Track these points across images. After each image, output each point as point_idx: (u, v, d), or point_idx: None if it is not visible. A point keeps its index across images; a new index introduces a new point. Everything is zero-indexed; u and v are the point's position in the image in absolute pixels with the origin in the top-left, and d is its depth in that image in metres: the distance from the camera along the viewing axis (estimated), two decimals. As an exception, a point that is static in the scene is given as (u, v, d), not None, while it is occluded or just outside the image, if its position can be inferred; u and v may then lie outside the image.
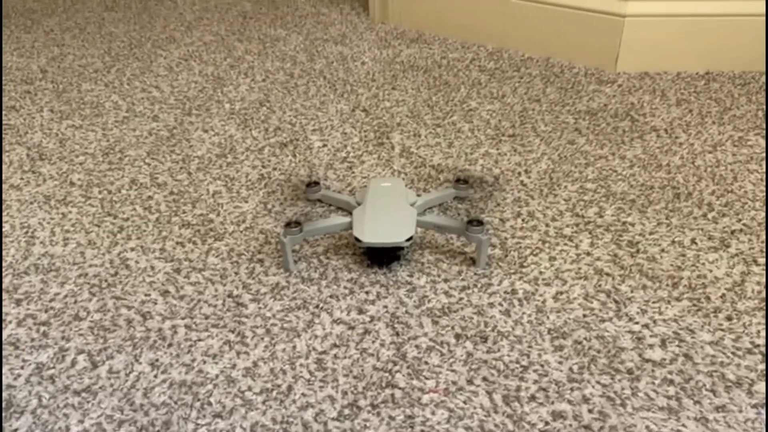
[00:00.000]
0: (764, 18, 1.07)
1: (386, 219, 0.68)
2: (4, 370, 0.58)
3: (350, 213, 0.73)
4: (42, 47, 1.33)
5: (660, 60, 1.12)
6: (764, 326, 0.60)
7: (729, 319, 0.61)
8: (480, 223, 0.66)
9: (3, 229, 0.77)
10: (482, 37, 1.28)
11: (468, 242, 0.72)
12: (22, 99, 1.10)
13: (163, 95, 1.10)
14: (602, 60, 1.14)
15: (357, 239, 0.66)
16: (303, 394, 0.55)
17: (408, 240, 0.65)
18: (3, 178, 0.88)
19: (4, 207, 0.81)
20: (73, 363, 0.58)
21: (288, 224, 0.68)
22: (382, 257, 0.70)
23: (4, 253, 0.73)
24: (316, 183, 0.80)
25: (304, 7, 1.52)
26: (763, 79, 1.08)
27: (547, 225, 0.75)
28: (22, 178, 0.87)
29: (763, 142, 0.90)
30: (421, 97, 1.07)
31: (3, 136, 0.98)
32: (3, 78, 1.19)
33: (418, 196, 0.78)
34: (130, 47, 1.32)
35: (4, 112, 1.06)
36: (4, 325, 0.63)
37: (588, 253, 0.70)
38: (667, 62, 1.12)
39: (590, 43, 1.14)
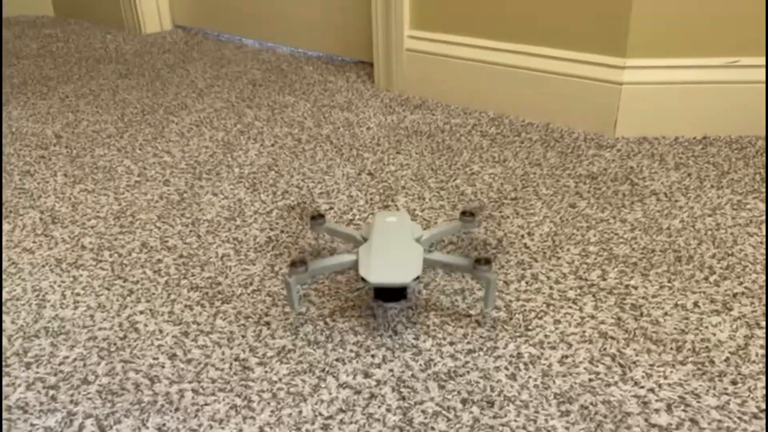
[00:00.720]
0: (760, 84, 1.10)
1: (392, 257, 0.66)
2: (11, 435, 0.58)
3: (356, 249, 0.71)
4: (57, 113, 1.38)
5: (658, 125, 1.15)
6: (770, 391, 0.60)
7: (734, 383, 0.61)
8: (488, 261, 0.65)
9: (15, 293, 0.78)
10: (484, 104, 1.32)
11: (473, 297, 0.73)
12: (36, 164, 1.14)
13: (174, 160, 1.13)
14: (601, 125, 1.17)
15: (363, 279, 0.64)
16: (309, 460, 0.54)
17: (415, 279, 0.64)
18: (17, 241, 0.89)
19: (16, 270, 0.83)
20: (81, 428, 0.58)
21: (293, 263, 0.66)
22: (389, 296, 0.69)
23: (15, 316, 0.74)
24: (321, 216, 0.79)
25: (312, 76, 1.57)
26: (760, 143, 1.10)
27: (550, 288, 0.76)
28: (34, 242, 0.89)
29: (761, 205, 0.91)
30: (425, 161, 1.09)
31: (18, 200, 1.01)
32: (18, 143, 1.23)
33: (424, 230, 0.76)
34: (142, 113, 1.36)
35: (19, 177, 1.09)
36: (13, 389, 0.63)
37: (592, 317, 0.70)
38: (665, 127, 1.15)
39: (589, 109, 1.17)
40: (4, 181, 1.07)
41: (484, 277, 0.66)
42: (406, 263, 0.66)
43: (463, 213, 0.79)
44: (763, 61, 1.10)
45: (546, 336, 0.68)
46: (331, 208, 0.95)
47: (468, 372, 0.63)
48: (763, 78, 1.10)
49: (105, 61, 1.78)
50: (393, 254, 0.67)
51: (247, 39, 1.92)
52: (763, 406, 0.58)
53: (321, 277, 0.69)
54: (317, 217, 0.79)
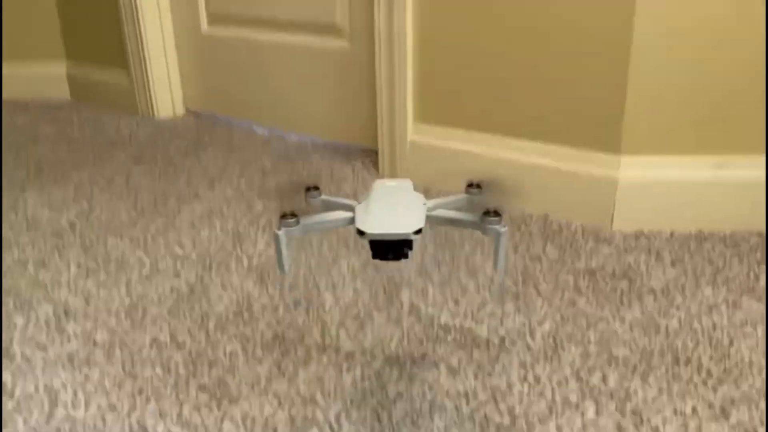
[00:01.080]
0: (751, 182, 1.15)
1: (393, 211, 0.62)
2: None
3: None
4: (71, 201, 1.42)
5: (654, 219, 1.19)
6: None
7: (735, 496, 0.62)
8: (497, 213, 0.60)
9: (28, 391, 0.80)
10: (485, 195, 1.36)
11: (477, 401, 0.74)
12: (51, 254, 1.17)
13: (185, 251, 1.16)
14: (598, 219, 1.21)
15: (360, 232, 0.59)
16: None
17: (417, 233, 0.58)
18: (30, 335, 0.92)
19: (29, 367, 0.85)
20: None
21: (283, 215, 0.62)
22: (388, 252, 0.61)
23: (27, 415, 0.75)
24: (316, 188, 0.75)
25: (319, 164, 1.63)
26: (753, 239, 1.14)
27: (553, 391, 0.77)
28: (47, 337, 0.91)
29: (755, 305, 0.94)
30: (428, 254, 1.13)
31: (32, 292, 1.04)
32: (33, 232, 1.27)
33: (429, 201, 0.71)
34: (154, 202, 1.40)
35: (33, 268, 1.12)
36: (23, 496, 0.64)
37: (594, 423, 0.72)
38: (661, 222, 1.19)
39: (586, 203, 1.22)
40: (19, 271, 1.11)
41: (494, 230, 0.60)
42: (407, 216, 0.60)
43: (469, 185, 0.73)
44: (752, 160, 1.15)
45: (548, 443, 0.69)
46: (337, 303, 0.98)
47: (472, 481, 0.64)
48: (753, 176, 1.15)
49: (119, 147, 1.84)
50: (393, 208, 0.62)
51: (258, 126, 1.99)
52: None
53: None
54: (312, 189, 0.75)
